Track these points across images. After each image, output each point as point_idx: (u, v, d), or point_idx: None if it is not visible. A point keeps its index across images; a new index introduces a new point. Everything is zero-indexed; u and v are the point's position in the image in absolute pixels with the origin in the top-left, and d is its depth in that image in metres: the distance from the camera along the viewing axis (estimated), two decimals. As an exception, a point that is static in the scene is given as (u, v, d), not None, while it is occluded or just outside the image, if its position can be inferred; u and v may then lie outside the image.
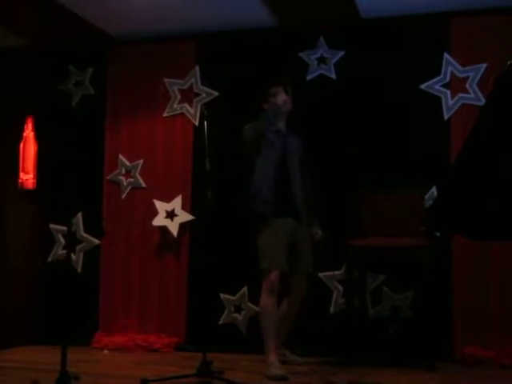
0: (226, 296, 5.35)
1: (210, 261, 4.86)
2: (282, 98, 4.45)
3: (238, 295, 5.34)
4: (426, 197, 4.89)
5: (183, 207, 5.51)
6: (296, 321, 4.55)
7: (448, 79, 5.09)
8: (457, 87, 5.05)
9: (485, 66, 4.98)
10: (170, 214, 5.50)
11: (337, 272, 5.11)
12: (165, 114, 5.68)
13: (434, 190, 4.91)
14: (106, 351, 5.27)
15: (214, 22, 5.42)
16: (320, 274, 5.07)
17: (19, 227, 5.74)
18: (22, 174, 5.67)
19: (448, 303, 4.84)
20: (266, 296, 4.23)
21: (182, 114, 5.65)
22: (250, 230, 4.38)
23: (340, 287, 5.11)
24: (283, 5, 5.06)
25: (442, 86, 5.09)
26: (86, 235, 5.73)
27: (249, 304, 5.27)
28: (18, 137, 5.72)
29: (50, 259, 5.77)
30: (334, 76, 5.35)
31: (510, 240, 3.44)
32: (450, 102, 5.06)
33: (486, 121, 1.85)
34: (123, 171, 5.72)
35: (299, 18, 5.23)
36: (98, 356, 5.08)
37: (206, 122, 4.16)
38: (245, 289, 5.31)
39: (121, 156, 5.73)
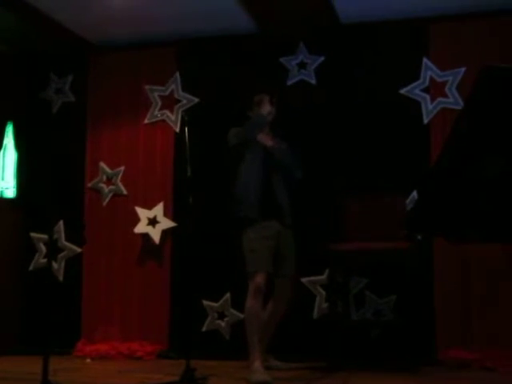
0: (209, 303, 5.34)
1: (192, 267, 4.85)
2: (267, 108, 4.44)
3: (220, 302, 5.32)
4: (408, 200, 4.91)
5: (165, 214, 5.49)
6: (279, 326, 4.54)
7: (427, 83, 5.12)
8: (436, 91, 5.09)
9: (463, 70, 5.03)
10: (152, 221, 5.48)
11: (319, 277, 5.12)
12: (146, 121, 5.66)
13: (415, 193, 4.93)
14: (88, 360, 5.23)
15: (195, 28, 5.42)
16: (303, 279, 5.07)
17: (-1, 236, 5.69)
18: (1, 183, 5.63)
19: (431, 306, 4.86)
20: (251, 298, 4.21)
21: (163, 120, 5.63)
22: (236, 233, 4.35)
23: (323, 292, 5.12)
24: (263, 11, 5.08)
25: (421, 90, 5.13)
26: (67, 243, 5.70)
27: (232, 310, 5.26)
28: (-2, 145, 5.68)
29: (31, 268, 5.73)
30: (314, 81, 5.37)
31: (491, 242, 3.48)
32: (430, 106, 5.09)
33: (464, 123, 1.86)
34: (104, 178, 5.69)
35: (279, 24, 5.25)
36: (81, 365, 5.03)
37: (187, 129, 4.16)
38: (227, 295, 5.29)
39: (102, 163, 5.71)
